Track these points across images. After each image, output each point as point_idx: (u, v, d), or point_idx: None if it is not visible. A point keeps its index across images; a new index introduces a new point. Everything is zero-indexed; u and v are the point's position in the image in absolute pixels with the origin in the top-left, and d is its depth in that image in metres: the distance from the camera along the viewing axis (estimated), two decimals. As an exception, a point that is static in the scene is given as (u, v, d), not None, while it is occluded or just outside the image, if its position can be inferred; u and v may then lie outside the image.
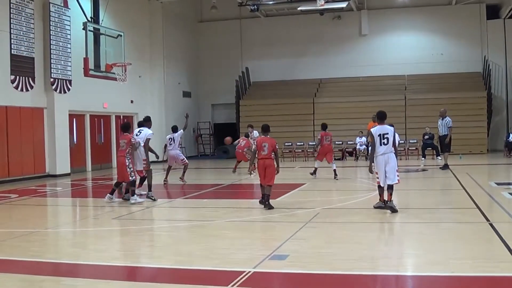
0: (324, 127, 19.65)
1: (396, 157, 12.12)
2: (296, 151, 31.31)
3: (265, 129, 13.48)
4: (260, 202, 13.17)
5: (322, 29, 37.07)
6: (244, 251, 8.41)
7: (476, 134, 31.57)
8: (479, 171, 22.37)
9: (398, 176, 12.09)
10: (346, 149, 31.84)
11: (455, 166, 22.11)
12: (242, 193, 18.16)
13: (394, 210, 11.70)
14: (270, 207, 12.68)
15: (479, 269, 7.14)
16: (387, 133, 12.00)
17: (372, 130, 12.27)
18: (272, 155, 13.10)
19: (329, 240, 9.31)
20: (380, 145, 11.99)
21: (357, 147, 30.62)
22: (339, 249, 8.53)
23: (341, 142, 31.98)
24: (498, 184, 16.88)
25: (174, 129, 18.89)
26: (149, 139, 15.04)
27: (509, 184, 17.06)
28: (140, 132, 15.28)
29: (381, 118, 12.34)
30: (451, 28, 35.70)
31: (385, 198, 12.03)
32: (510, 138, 30.15)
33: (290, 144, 32.03)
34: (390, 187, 11.93)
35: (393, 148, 12.08)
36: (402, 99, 33.55)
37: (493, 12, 35.42)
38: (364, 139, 30.48)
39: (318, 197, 14.66)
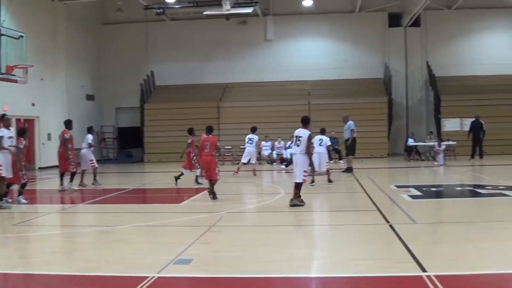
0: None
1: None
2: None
3: (209, 130, 15.45)
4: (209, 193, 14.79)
5: (228, 34, 37.26)
6: (149, 256, 8.40)
7: (377, 138, 32.49)
8: (380, 174, 23.09)
9: (304, 176, 13.11)
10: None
11: (357, 170, 22.67)
12: (146, 198, 18.09)
13: (297, 205, 12.95)
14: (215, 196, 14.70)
15: (379, 269, 7.39)
16: (301, 136, 13.11)
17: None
18: (214, 152, 15.05)
19: (233, 243, 9.42)
20: (295, 145, 13.22)
21: (262, 151, 30.92)
22: (243, 252, 8.63)
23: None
24: (398, 186, 17.56)
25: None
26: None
27: (408, 186, 17.67)
28: None
29: (302, 122, 13.58)
30: (354, 35, 36.70)
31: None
32: (409, 142, 31.23)
33: (195, 148, 31.99)
34: (296, 186, 13.05)
35: (304, 152, 13.05)
36: (306, 104, 34.11)
37: (394, 20, 36.63)
38: (269, 143, 30.92)
39: (223, 201, 14.75)
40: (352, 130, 22.52)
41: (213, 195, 14.75)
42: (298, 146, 13.17)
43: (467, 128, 30.67)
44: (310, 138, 13.30)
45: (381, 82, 35.99)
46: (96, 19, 37.89)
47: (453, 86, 34.47)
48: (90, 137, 19.58)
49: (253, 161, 23.29)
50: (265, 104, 34.14)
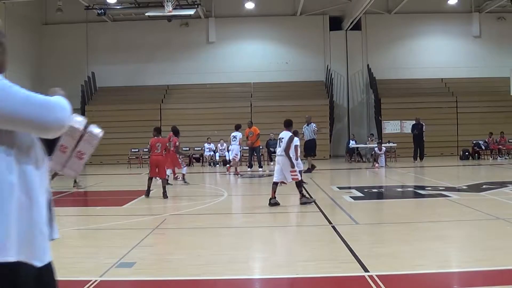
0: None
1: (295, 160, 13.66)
2: (143, 157, 31.03)
3: (158, 131, 16.15)
4: (147, 195, 15.62)
5: (170, 36, 37.16)
6: (90, 260, 8.24)
7: (319, 140, 32.55)
8: (322, 175, 23.25)
9: (294, 175, 13.59)
10: (193, 155, 32.05)
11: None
12: (88, 200, 17.83)
13: (273, 204, 13.51)
14: (166, 196, 15.39)
15: (322, 270, 7.42)
16: (283, 138, 13.63)
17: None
18: (164, 153, 15.85)
19: (176, 246, 9.36)
20: (278, 147, 13.77)
21: (205, 153, 30.94)
22: (187, 254, 8.57)
23: (188, 148, 32.18)
24: (340, 188, 17.75)
25: None
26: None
27: (350, 188, 17.90)
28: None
29: (285, 125, 14.11)
30: (296, 38, 37.03)
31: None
32: (351, 144, 31.62)
33: (137, 150, 31.76)
34: (297, 185, 13.79)
35: (284, 152, 13.48)
36: (248, 106, 34.27)
37: (335, 24, 37.15)
38: (212, 145, 30.91)
39: (165, 203, 14.67)
40: (315, 132, 23.09)
41: (164, 194, 15.49)
42: (280, 147, 13.71)
43: (407, 130, 31.31)
44: (291, 139, 13.66)
45: (323, 85, 36.42)
46: (36, 19, 37.20)
47: (393, 88, 35.13)
48: None
49: (237, 158, 24.55)
50: (207, 106, 34.16)
